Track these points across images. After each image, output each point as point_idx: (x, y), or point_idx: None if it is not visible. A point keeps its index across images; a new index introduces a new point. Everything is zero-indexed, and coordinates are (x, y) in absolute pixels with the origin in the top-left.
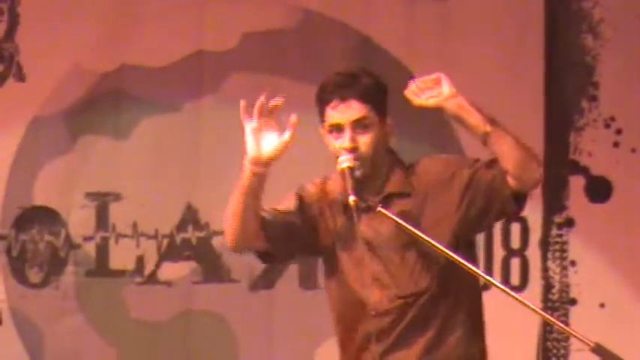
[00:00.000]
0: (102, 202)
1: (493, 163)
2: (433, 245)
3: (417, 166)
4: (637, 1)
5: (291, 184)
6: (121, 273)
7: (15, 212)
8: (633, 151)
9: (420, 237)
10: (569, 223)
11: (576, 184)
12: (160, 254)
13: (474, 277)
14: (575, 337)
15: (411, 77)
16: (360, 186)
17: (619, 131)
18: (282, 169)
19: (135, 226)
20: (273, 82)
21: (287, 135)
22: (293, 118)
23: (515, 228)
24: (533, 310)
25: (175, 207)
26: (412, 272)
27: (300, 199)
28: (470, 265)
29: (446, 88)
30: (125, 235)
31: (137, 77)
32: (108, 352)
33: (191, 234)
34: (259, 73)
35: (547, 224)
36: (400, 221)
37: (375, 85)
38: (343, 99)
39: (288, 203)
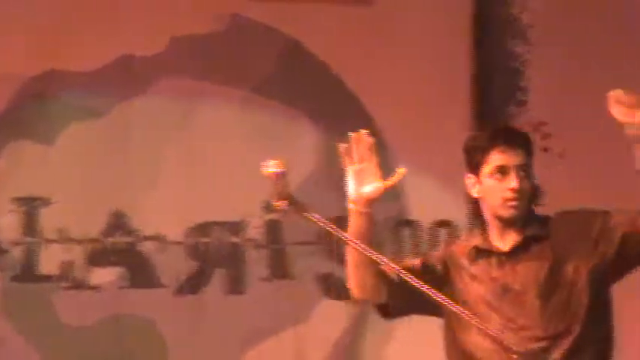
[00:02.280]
0: (30, 207)
1: (627, 211)
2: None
3: (553, 215)
4: (564, 6)
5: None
6: (49, 278)
7: None
8: (561, 155)
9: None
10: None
11: None
12: (88, 259)
13: (611, 330)
14: (506, 345)
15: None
16: None
17: (547, 136)
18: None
19: (63, 231)
20: (202, 86)
21: (390, 182)
22: (402, 169)
23: (443, 232)
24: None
25: (103, 212)
26: (553, 313)
27: (425, 261)
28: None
29: None
30: (53, 240)
31: (65, 81)
32: (34, 357)
33: (119, 239)
34: (188, 77)
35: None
36: (329, 226)
37: (528, 136)
38: (509, 144)
39: (413, 262)
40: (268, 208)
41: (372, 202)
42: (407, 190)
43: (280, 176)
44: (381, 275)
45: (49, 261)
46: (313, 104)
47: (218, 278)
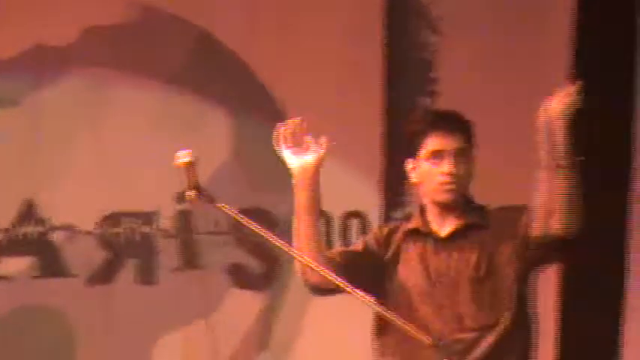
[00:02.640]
0: None
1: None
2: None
3: (488, 207)
4: None
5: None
6: None
7: None
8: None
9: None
10: (408, 219)
11: None
12: None
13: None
14: (417, 335)
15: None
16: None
17: None
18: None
19: None
20: (113, 77)
21: (322, 151)
22: (328, 141)
23: (355, 223)
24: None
25: (14, 201)
26: (484, 304)
27: (366, 244)
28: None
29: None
30: None
31: None
32: None
33: (30, 228)
34: (99, 67)
35: (386, 220)
36: (240, 217)
37: (470, 123)
38: (447, 128)
39: (356, 247)
40: (180, 198)
41: (316, 171)
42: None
43: (191, 166)
44: (329, 260)
45: None
46: (225, 94)
47: (129, 268)
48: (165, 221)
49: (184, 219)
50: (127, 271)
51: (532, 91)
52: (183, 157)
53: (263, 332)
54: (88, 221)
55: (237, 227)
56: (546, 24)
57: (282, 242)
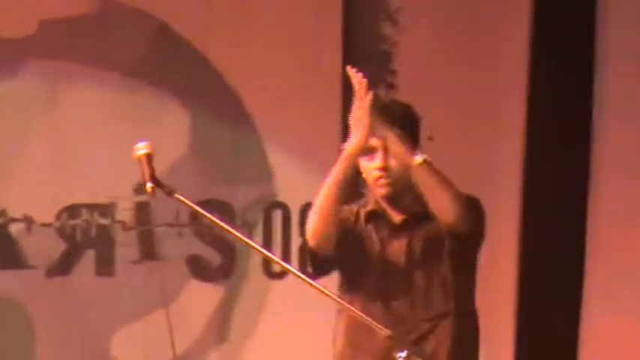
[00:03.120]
0: None
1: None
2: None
3: None
4: None
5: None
6: None
7: None
8: (430, 139)
9: (235, 235)
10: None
11: None
12: None
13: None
14: (373, 325)
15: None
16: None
17: None
18: None
19: None
20: (71, 70)
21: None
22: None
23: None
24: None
25: None
26: (435, 294)
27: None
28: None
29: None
30: None
31: None
32: None
33: None
34: (57, 60)
35: None
36: (198, 209)
37: (408, 112)
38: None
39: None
40: (138, 190)
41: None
42: (277, 172)
43: (149, 158)
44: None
45: None
46: (183, 86)
47: (88, 260)
48: (124, 213)
49: (143, 211)
50: (86, 263)
51: (490, 82)
52: (141, 149)
53: (222, 323)
54: (46, 213)
55: (195, 219)
56: (505, 15)
57: (239, 234)
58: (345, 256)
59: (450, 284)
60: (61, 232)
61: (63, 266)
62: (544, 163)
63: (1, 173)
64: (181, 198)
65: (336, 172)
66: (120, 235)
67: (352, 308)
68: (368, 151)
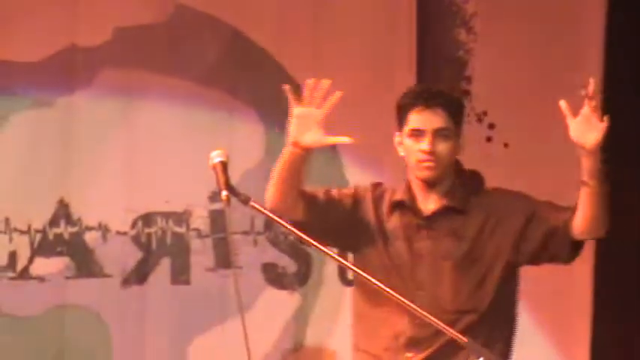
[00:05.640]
0: None
1: (563, 209)
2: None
3: (486, 190)
4: None
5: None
6: None
7: None
8: (506, 145)
9: (310, 242)
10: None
11: None
12: (32, 249)
13: (516, 313)
14: (450, 333)
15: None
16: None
17: (491, 126)
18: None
19: (7, 221)
20: (145, 78)
21: (330, 140)
22: (347, 139)
23: None
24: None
25: (48, 202)
26: (463, 289)
27: (355, 194)
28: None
29: (597, 133)
30: None
31: (9, 72)
32: None
33: (63, 229)
34: (131, 67)
35: None
36: (273, 216)
37: (458, 101)
38: (429, 106)
39: (341, 192)
40: (213, 197)
41: (309, 151)
42: (351, 182)
43: (224, 166)
44: (304, 195)
45: None
46: (256, 94)
47: (164, 269)
48: (199, 221)
49: (218, 219)
50: (162, 271)
51: (564, 89)
52: (216, 156)
53: (297, 331)
54: (121, 222)
55: (270, 227)
56: (580, 19)
57: (315, 241)
58: (347, 237)
59: (490, 282)
60: (136, 240)
61: (138, 275)
62: (621, 169)
63: (76, 182)
64: (256, 206)
65: (282, 156)
66: (195, 243)
67: (425, 313)
68: (414, 132)
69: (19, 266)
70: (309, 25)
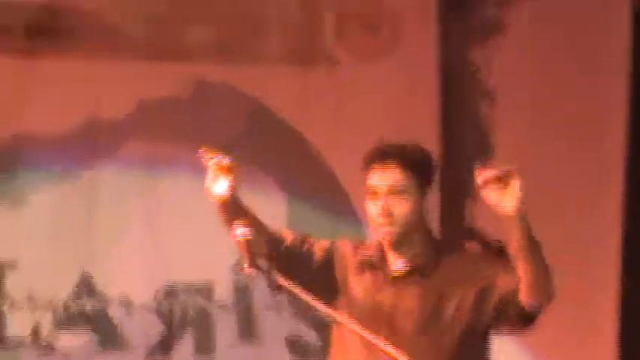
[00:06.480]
0: None
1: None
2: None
3: (451, 250)
4: (530, 68)
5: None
6: (18, 342)
7: None
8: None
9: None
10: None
11: None
12: (56, 323)
13: None
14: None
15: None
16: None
17: None
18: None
19: (30, 294)
20: (169, 150)
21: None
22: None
23: None
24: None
25: (71, 275)
26: (425, 349)
27: (330, 248)
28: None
29: (512, 199)
30: (20, 304)
31: (33, 144)
32: None
33: (87, 302)
34: (155, 140)
35: None
36: (297, 291)
37: (420, 157)
38: (384, 164)
39: (319, 243)
40: (236, 270)
41: (223, 201)
42: None
43: (249, 244)
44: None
45: (17, 325)
46: (278, 165)
47: (187, 341)
48: (222, 293)
49: (241, 291)
50: (185, 343)
51: (591, 155)
52: (241, 234)
53: None
54: (144, 294)
55: (294, 300)
56: (603, 86)
57: (338, 314)
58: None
59: (452, 341)
60: (159, 312)
61: (162, 347)
62: None
63: (100, 255)
64: (281, 281)
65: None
66: (219, 316)
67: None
68: (371, 192)
69: (43, 341)
70: (330, 97)
